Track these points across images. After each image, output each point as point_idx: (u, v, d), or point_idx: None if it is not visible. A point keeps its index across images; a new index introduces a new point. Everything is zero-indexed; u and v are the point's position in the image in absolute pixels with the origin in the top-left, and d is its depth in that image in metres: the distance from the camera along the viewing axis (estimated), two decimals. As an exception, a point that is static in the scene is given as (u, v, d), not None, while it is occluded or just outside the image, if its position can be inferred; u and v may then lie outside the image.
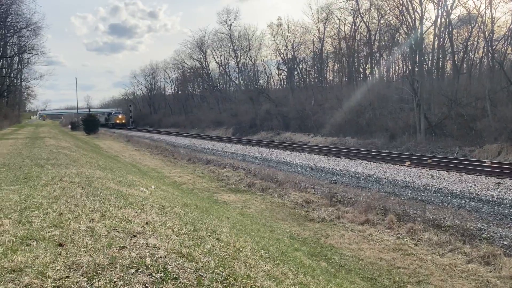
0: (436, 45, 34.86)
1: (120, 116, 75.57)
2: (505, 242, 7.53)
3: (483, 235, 7.91)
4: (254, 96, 49.31)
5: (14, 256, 2.67)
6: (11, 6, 39.94)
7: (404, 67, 40.07)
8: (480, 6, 32.09)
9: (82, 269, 2.54)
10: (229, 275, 2.88)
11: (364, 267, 6.56)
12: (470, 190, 11.91)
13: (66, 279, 2.39)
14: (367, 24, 40.17)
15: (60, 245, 2.98)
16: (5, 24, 41.18)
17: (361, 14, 40.12)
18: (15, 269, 2.48)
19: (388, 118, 30.02)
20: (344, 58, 45.81)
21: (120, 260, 2.74)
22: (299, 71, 52.72)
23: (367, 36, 40.69)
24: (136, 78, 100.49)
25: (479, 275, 6.15)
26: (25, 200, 4.57)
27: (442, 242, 7.49)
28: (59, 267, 2.53)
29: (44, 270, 2.48)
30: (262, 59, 59.37)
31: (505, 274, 6.06)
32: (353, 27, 42.87)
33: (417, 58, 31.66)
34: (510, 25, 28.78)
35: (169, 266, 2.77)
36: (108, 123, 75.62)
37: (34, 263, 2.57)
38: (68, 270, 2.52)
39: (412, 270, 6.41)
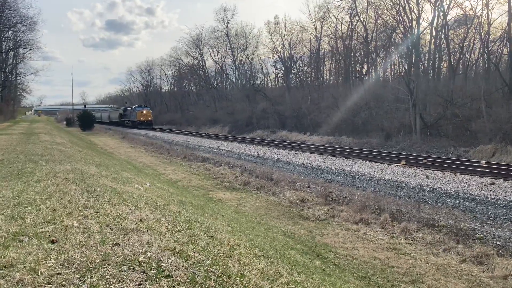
0: (432, 46, 35.00)
1: (145, 112, 56.12)
2: (498, 242, 7.57)
3: (477, 235, 7.95)
4: (250, 94, 49.32)
5: (6, 252, 2.65)
6: (6, 0, 39.64)
7: (401, 67, 40.21)
8: (476, 7, 32.36)
9: (74, 265, 2.52)
10: (222, 273, 2.87)
11: (358, 266, 6.58)
12: (465, 190, 11.97)
13: (58, 275, 2.37)
14: (364, 23, 40.25)
15: (53, 241, 2.96)
16: (0, 18, 40.86)
17: (358, 13, 40.19)
18: (7, 265, 2.46)
19: (384, 118, 30.10)
20: (340, 57, 45.86)
21: (113, 257, 2.72)
22: (295, 70, 52.77)
23: (364, 35, 40.75)
24: (132, 75, 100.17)
25: (472, 275, 6.19)
26: (18, 196, 4.53)
27: (436, 242, 7.52)
28: (51, 264, 2.51)
29: (36, 266, 2.46)
30: (259, 57, 59.45)
31: (498, 274, 6.09)
32: (350, 26, 42.92)
33: (414, 58, 31.77)
34: (506, 27, 28.89)
35: (162, 264, 2.76)
36: (126, 121, 59.96)
37: (26, 260, 2.55)
38: (60, 266, 2.50)
39: (406, 269, 6.43)
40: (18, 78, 57.49)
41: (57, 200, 4.35)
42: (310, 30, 49.06)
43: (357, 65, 45.31)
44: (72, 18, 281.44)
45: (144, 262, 2.72)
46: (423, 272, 6.31)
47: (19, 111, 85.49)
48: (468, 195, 11.52)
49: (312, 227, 8.79)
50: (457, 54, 33.76)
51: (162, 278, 2.54)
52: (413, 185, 13.11)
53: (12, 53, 51.17)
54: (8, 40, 48.57)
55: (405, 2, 31.32)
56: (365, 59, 42.98)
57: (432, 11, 32.81)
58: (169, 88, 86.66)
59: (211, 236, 4.20)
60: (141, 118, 55.29)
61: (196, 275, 2.70)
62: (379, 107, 32.33)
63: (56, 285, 2.28)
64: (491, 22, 30.52)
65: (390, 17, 35.72)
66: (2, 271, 2.39)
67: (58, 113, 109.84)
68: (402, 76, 33.15)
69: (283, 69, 53.13)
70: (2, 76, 50.33)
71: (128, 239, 3.21)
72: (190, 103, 70.37)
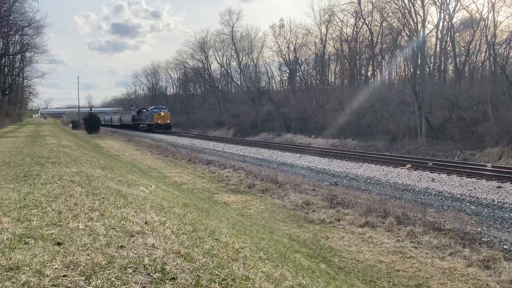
0: (438, 48, 34.83)
1: (162, 114, 50.86)
2: (505, 246, 7.50)
3: (483, 239, 7.89)
4: (255, 97, 49.35)
5: (12, 254, 2.66)
6: (13, 4, 40.03)
7: (406, 70, 40.03)
8: (482, 9, 32.20)
9: (79, 268, 2.53)
10: (227, 276, 2.87)
11: (363, 270, 6.54)
12: (471, 194, 11.88)
13: (63, 278, 2.38)
14: (369, 26, 40.15)
15: (58, 243, 2.97)
16: (8, 22, 41.24)
17: (364, 16, 40.13)
18: (13, 268, 2.47)
19: (389, 121, 30.00)
20: (346, 60, 45.80)
21: (118, 260, 2.73)
22: (300, 73, 52.77)
23: (369, 38, 40.65)
24: (138, 77, 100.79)
25: (478, 279, 6.13)
26: (24, 198, 4.56)
27: (442, 246, 7.47)
28: (56, 266, 2.52)
29: (41, 268, 2.46)
30: (264, 60, 59.54)
31: (504, 279, 6.03)
32: (355, 29, 42.88)
33: (419, 61, 31.65)
34: (513, 29, 28.72)
35: (167, 266, 2.76)
36: (141, 124, 55.09)
37: (31, 262, 2.56)
38: (66, 269, 2.51)
39: (412, 273, 6.39)
40: (25, 81, 58.02)
41: (63, 203, 4.37)
42: (315, 33, 49.12)
43: (362, 68, 45.20)
44: (79, 22, 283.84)
45: (149, 265, 2.72)
46: (429, 276, 6.27)
47: (25, 114, 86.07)
48: (475, 198, 11.43)
49: (317, 230, 8.76)
50: (463, 57, 33.58)
51: (167, 281, 2.54)
52: (419, 189, 13.04)
53: (19, 56, 51.66)
54: (15, 44, 49.02)
55: (411, 4, 31.27)
56: (370, 62, 42.88)
57: (438, 13, 32.70)
58: (174, 91, 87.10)
59: (216, 239, 4.20)
60: (159, 121, 49.91)
61: (201, 278, 2.70)
62: (384, 110, 32.23)
63: None
64: (498, 24, 30.34)
65: (396, 20, 35.61)
66: (8, 273, 2.40)
67: (64, 116, 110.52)
68: (408, 79, 33.01)
69: (288, 72, 53.15)
70: (9, 79, 50.75)
71: (133, 242, 3.21)
72: (195, 106, 70.48)
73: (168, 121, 50.94)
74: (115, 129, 60.79)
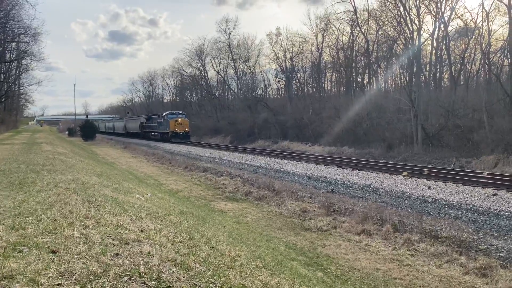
0: (433, 57, 35.15)
1: (180, 121, 43.56)
2: (501, 254, 7.50)
3: (480, 247, 7.89)
4: (252, 104, 49.47)
5: (6, 263, 2.64)
6: (10, 11, 40.08)
7: (402, 78, 40.31)
8: (477, 18, 32.53)
9: (74, 276, 2.50)
10: (223, 284, 2.85)
11: (360, 278, 6.52)
12: (467, 201, 11.90)
13: (58, 286, 2.36)
14: (365, 34, 40.46)
15: (53, 252, 2.95)
16: (4, 29, 41.27)
17: (360, 25, 40.42)
18: (6, 276, 2.45)
19: (386, 128, 30.12)
20: (342, 68, 46.07)
21: (114, 268, 2.71)
22: (297, 81, 53.01)
23: (365, 46, 40.95)
24: (134, 85, 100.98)
25: (475, 287, 6.12)
26: (19, 206, 4.53)
27: (438, 253, 7.46)
28: (51, 275, 2.50)
29: (36, 277, 2.44)
30: (261, 68, 59.85)
31: (501, 286, 6.02)
32: (351, 37, 43.16)
33: (415, 69, 31.90)
34: (507, 38, 29.04)
35: (163, 275, 2.74)
36: (152, 133, 48.90)
37: (26, 270, 2.54)
38: (61, 277, 2.48)
39: (409, 281, 6.37)
40: (21, 88, 57.89)
41: (58, 210, 4.34)
42: (311, 41, 49.49)
43: (359, 76, 45.49)
44: (76, 29, 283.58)
45: (145, 273, 2.70)
46: (426, 284, 6.25)
47: (21, 121, 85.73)
48: (471, 206, 11.45)
49: (314, 238, 8.73)
50: (458, 65, 33.89)
51: (163, 289, 2.52)
52: (415, 196, 13.05)
53: (15, 63, 51.56)
54: (11, 51, 48.97)
55: (406, 13, 31.57)
56: (366, 70, 43.15)
57: (433, 22, 33.08)
58: (171, 99, 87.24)
59: (212, 247, 4.18)
60: (176, 129, 42.71)
61: (197, 287, 2.68)
62: (380, 118, 32.38)
63: (56, 296, 2.26)
64: (492, 33, 30.69)
65: (391, 28, 35.98)
66: (1, 282, 2.37)
67: (60, 123, 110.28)
68: (404, 87, 33.24)
69: (285, 79, 53.40)
70: (5, 86, 50.61)
71: (129, 250, 3.19)
72: (192, 113, 70.32)
73: (186, 129, 43.78)
74: (112, 137, 60.37)
